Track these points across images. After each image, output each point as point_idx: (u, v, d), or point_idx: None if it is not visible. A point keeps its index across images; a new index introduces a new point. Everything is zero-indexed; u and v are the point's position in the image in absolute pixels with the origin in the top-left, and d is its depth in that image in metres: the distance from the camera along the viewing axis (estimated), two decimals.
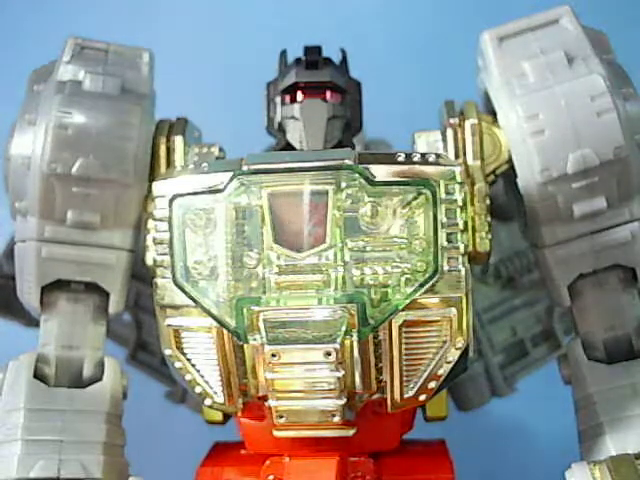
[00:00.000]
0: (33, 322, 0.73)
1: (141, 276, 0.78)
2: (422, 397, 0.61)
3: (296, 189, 0.59)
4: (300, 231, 0.59)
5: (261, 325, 0.58)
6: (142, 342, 0.95)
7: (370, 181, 0.58)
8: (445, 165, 0.59)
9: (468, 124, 0.69)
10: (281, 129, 0.70)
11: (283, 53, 0.74)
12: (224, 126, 0.91)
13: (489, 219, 0.66)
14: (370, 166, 0.59)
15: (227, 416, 0.72)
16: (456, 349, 0.60)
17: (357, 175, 0.58)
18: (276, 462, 0.66)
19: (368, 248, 0.59)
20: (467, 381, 0.88)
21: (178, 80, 1.05)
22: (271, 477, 0.66)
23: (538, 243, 0.68)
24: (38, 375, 0.67)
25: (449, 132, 0.70)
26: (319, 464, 0.64)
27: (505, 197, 0.76)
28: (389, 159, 0.59)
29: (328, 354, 0.57)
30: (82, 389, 0.67)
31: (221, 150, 0.73)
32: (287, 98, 0.71)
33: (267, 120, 0.72)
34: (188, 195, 0.60)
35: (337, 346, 0.57)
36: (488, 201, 0.66)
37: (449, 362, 0.60)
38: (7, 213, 0.72)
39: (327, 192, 0.59)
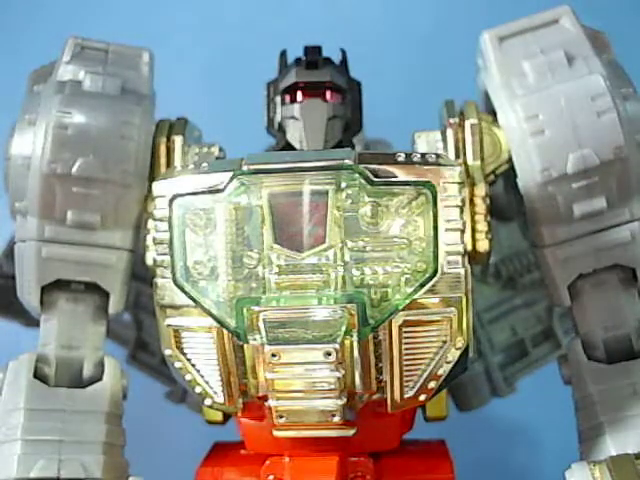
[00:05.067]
0: (33, 322, 0.73)
1: (141, 276, 0.78)
2: (422, 397, 0.61)
3: (296, 189, 0.59)
4: (300, 231, 0.59)
5: (261, 325, 0.58)
6: (142, 342, 0.95)
7: (370, 181, 0.58)
8: (445, 165, 0.59)
9: (468, 124, 0.69)
10: (281, 129, 0.70)
11: (283, 53, 0.74)
12: (224, 126, 0.91)
13: (489, 219, 0.66)
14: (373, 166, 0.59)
15: (227, 416, 0.72)
16: (456, 349, 0.60)
17: (357, 175, 0.58)
18: (276, 462, 0.66)
19: (368, 248, 0.59)
20: (467, 381, 0.88)
21: (178, 80, 1.06)
22: (271, 477, 0.66)
23: (538, 243, 0.68)
24: (38, 375, 0.67)
25: (449, 132, 0.70)
26: (319, 464, 0.64)
27: (505, 197, 0.76)
28: (389, 159, 0.59)
29: (328, 354, 0.57)
30: (82, 389, 0.67)
31: (221, 150, 0.73)
32: (287, 98, 0.71)
33: (267, 120, 0.72)
34: (188, 195, 0.60)
35: (337, 346, 0.57)
36: (488, 201, 0.66)
37: (449, 362, 0.60)
38: (7, 213, 0.72)
39: (327, 192, 0.59)
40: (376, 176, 0.58)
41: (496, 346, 0.91)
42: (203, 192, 0.60)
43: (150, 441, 0.99)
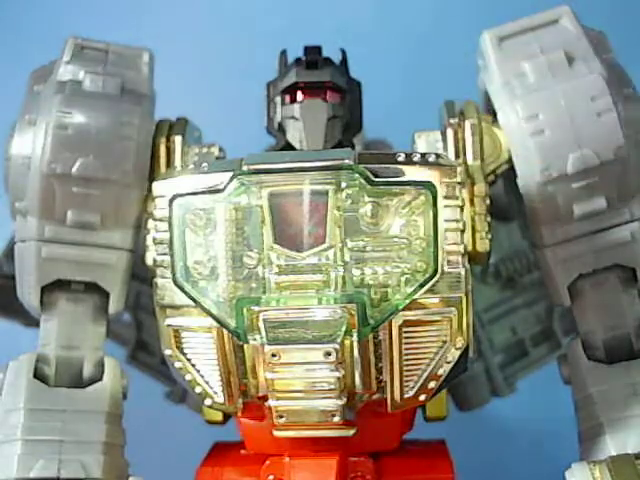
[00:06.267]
0: (33, 322, 0.73)
1: (141, 276, 0.78)
2: (422, 397, 0.61)
3: (296, 189, 0.59)
4: (300, 231, 0.59)
5: (261, 325, 0.58)
6: (142, 342, 0.95)
7: (370, 181, 0.58)
8: (445, 165, 0.59)
9: (468, 124, 0.69)
10: (281, 129, 0.70)
11: (283, 53, 0.74)
12: (224, 126, 0.91)
13: (489, 219, 0.66)
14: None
15: (227, 416, 0.72)
16: (456, 349, 0.60)
17: (357, 175, 0.58)
18: (276, 462, 0.66)
19: (368, 248, 0.59)
20: (467, 381, 0.88)
21: (178, 80, 1.05)
22: (271, 477, 0.66)
23: (538, 243, 0.68)
24: (38, 375, 0.67)
25: (449, 132, 0.70)
26: (319, 464, 0.64)
27: (505, 197, 0.76)
28: (389, 159, 0.59)
29: (328, 354, 0.57)
30: (82, 389, 0.67)
31: (221, 150, 0.73)
32: (287, 98, 0.71)
33: (267, 120, 0.72)
34: (188, 195, 0.60)
35: (337, 346, 0.57)
36: (488, 201, 0.66)
37: (449, 362, 0.60)
38: (7, 213, 0.72)
39: (327, 192, 0.59)
40: (376, 176, 0.58)
41: (496, 346, 0.91)
42: (203, 192, 0.60)
43: (150, 441, 0.98)
